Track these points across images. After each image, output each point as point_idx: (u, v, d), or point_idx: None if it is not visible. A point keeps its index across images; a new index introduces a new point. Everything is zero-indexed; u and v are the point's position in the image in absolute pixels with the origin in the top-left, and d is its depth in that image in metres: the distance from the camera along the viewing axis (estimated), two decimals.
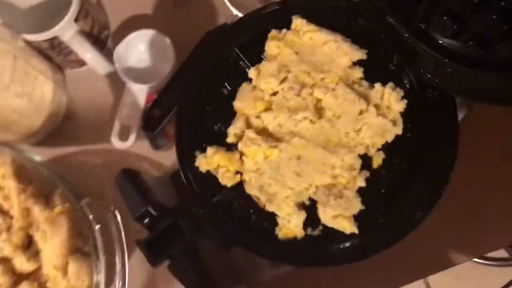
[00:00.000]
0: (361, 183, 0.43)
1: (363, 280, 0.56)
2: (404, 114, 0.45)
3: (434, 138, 0.45)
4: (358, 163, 0.43)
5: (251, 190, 0.44)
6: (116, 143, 0.60)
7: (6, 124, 0.58)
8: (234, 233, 0.44)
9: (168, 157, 0.61)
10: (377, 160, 0.44)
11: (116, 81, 0.62)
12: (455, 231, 0.56)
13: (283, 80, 0.46)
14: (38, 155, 0.56)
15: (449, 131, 0.45)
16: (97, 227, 0.53)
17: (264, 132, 0.45)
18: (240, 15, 0.60)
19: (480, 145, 0.53)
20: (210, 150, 0.45)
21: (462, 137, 0.55)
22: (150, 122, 0.63)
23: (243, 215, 0.45)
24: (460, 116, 0.55)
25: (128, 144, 0.60)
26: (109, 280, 0.53)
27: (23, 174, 0.55)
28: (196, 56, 0.56)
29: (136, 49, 0.63)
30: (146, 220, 0.43)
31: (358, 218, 0.43)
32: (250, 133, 0.44)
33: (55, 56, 0.60)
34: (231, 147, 0.46)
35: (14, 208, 0.54)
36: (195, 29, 0.65)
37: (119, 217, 0.54)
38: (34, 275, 0.56)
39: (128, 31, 0.64)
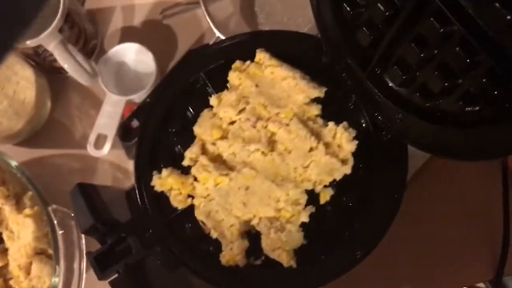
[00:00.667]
0: (305, 218, 0.44)
1: None
2: (356, 154, 0.45)
3: (383, 180, 0.45)
4: (303, 198, 0.44)
5: (199, 215, 0.46)
6: (91, 151, 0.62)
7: None
8: (181, 255, 0.46)
9: None
10: (325, 196, 0.45)
11: (99, 90, 0.64)
12: (409, 268, 0.57)
13: (241, 111, 0.47)
14: (13, 159, 0.58)
15: (398, 175, 0.45)
16: (60, 232, 0.55)
17: (218, 159, 0.47)
18: (222, 37, 0.61)
19: (432, 191, 0.55)
20: (164, 172, 0.47)
21: (420, 180, 0.56)
22: (127, 133, 0.65)
23: (191, 238, 0.46)
24: (421, 161, 0.56)
25: (102, 153, 0.62)
26: (67, 284, 0.55)
27: None
28: (176, 73, 0.57)
29: (120, 61, 0.65)
30: (95, 235, 0.45)
31: (299, 252, 0.44)
32: (203, 160, 0.46)
33: (41, 61, 0.62)
34: (187, 170, 0.48)
35: None
36: (180, 44, 0.67)
37: None
38: (0, 271, 0.58)
39: (116, 42, 0.66)
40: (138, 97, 0.64)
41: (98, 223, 0.44)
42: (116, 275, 0.46)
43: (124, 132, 0.65)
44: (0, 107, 0.59)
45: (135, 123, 0.66)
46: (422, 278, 0.57)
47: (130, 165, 0.64)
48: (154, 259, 0.46)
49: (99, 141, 0.62)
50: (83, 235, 0.55)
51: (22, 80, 0.60)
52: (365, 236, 0.45)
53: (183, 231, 0.47)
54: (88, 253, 0.46)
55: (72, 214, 0.54)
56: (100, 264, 0.45)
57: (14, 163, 0.57)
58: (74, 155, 0.66)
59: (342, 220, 0.45)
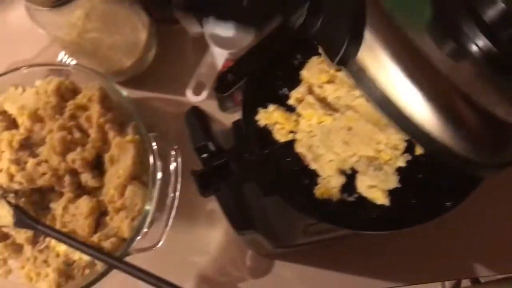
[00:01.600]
0: (402, 163, 0.47)
1: (384, 266, 0.60)
2: None
3: None
4: (402, 144, 0.47)
5: (301, 148, 0.49)
6: (189, 96, 0.67)
7: (101, 57, 0.66)
8: (277, 183, 0.49)
9: (232, 119, 0.67)
10: (420, 148, 0.48)
11: (201, 43, 0.69)
12: (489, 243, 0.59)
13: None
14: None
15: None
16: (158, 162, 0.59)
17: (323, 101, 0.50)
18: None
19: None
20: (271, 107, 0.50)
21: None
22: (222, 85, 0.69)
23: (289, 169, 0.50)
24: None
25: (200, 98, 0.66)
26: (158, 211, 0.59)
27: (106, 101, 0.62)
28: (274, 34, 0.61)
29: None
30: (204, 155, 0.49)
31: (391, 194, 0.47)
32: (310, 98, 0.49)
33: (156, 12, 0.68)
34: (290, 110, 0.51)
35: (93, 129, 0.61)
36: None
37: (179, 158, 0.60)
38: (95, 192, 0.63)
39: None
40: (237, 53, 0.68)
41: (210, 141, 0.48)
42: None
43: (220, 84, 0.69)
44: (116, 42, 0.65)
45: (230, 77, 0.70)
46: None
47: (220, 115, 0.68)
48: (251, 185, 0.50)
49: (198, 88, 0.67)
50: (180, 168, 0.59)
51: (139, 23, 0.65)
52: (456, 188, 0.47)
53: (282, 162, 0.50)
54: (193, 171, 0.50)
55: (175, 146, 0.59)
56: (203, 182, 0.49)
57: (124, 93, 0.62)
58: (170, 100, 0.70)
59: (434, 172, 0.48)
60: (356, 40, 0.37)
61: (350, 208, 0.48)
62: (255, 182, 0.49)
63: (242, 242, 0.64)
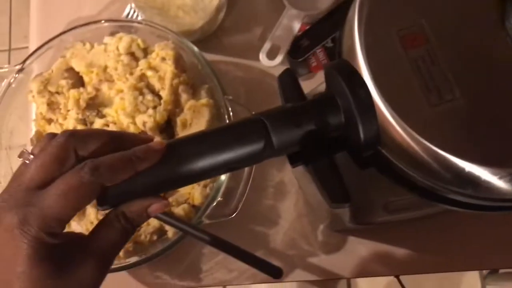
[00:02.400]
0: None
1: (462, 249, 0.56)
2: None
3: None
4: None
5: None
6: (263, 59, 0.63)
7: (171, 17, 0.63)
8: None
9: (305, 87, 0.64)
10: None
11: (277, 3, 0.65)
12: None
13: None
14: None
15: None
16: None
17: None
18: None
19: None
20: None
21: None
22: (297, 50, 0.66)
23: None
24: None
25: (274, 63, 0.63)
26: (233, 180, 0.56)
27: (180, 62, 0.59)
28: None
29: None
30: None
31: None
32: None
33: None
34: None
35: (165, 90, 0.58)
36: None
37: None
38: None
39: None
40: (314, 16, 0.64)
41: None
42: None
43: (294, 49, 0.66)
44: (189, 3, 0.61)
45: (305, 42, 0.66)
46: None
47: None
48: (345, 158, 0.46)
49: (272, 52, 0.63)
50: None
51: None
52: None
53: None
54: None
55: (252, 112, 0.55)
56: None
57: (199, 53, 0.58)
58: (241, 64, 0.67)
59: None
60: None
61: None
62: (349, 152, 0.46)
63: (314, 216, 0.62)
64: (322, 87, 0.48)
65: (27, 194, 0.29)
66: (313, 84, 0.65)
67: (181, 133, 0.59)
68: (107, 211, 0.35)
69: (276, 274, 0.57)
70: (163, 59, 0.58)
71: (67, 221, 0.30)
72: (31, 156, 0.31)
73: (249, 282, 0.61)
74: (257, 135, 0.38)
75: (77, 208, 0.30)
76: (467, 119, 0.38)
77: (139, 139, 0.34)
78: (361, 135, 0.38)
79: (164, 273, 0.62)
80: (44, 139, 0.32)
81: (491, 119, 0.38)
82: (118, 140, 0.33)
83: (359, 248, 0.60)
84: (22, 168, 0.31)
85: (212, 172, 0.36)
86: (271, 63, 0.63)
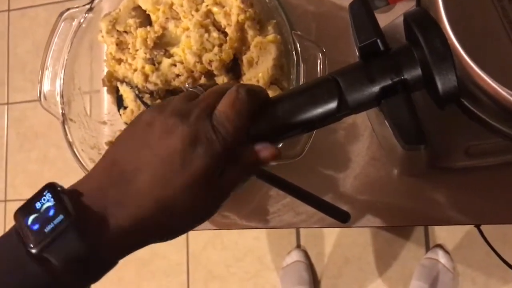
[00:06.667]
0: None
1: None
2: None
3: None
4: None
5: None
6: None
7: None
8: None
9: (382, 20, 0.59)
10: None
11: None
12: None
13: None
14: None
15: None
16: (302, 65, 0.53)
17: None
18: None
19: None
20: None
21: None
22: None
23: None
24: None
25: None
26: None
27: None
28: None
29: None
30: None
31: None
32: None
33: None
34: None
35: (231, 27, 0.56)
36: None
37: (326, 61, 0.53)
38: None
39: None
40: None
41: (380, 39, 0.40)
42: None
43: None
44: None
45: None
46: None
47: None
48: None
49: None
50: (327, 71, 0.53)
51: None
52: None
53: None
54: None
55: (322, 48, 0.52)
56: None
57: None
58: None
59: None
60: None
61: None
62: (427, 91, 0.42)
63: (388, 161, 0.58)
64: (400, 21, 0.43)
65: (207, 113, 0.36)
66: (391, 17, 0.59)
67: (247, 72, 0.57)
68: None
69: (344, 219, 0.55)
70: None
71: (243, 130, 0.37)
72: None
73: (317, 225, 0.59)
74: (329, 95, 0.38)
75: (247, 116, 0.37)
76: None
77: None
78: (439, 87, 0.36)
79: (232, 213, 0.62)
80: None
81: None
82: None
83: (435, 194, 0.56)
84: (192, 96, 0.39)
85: (289, 133, 0.40)
86: None
